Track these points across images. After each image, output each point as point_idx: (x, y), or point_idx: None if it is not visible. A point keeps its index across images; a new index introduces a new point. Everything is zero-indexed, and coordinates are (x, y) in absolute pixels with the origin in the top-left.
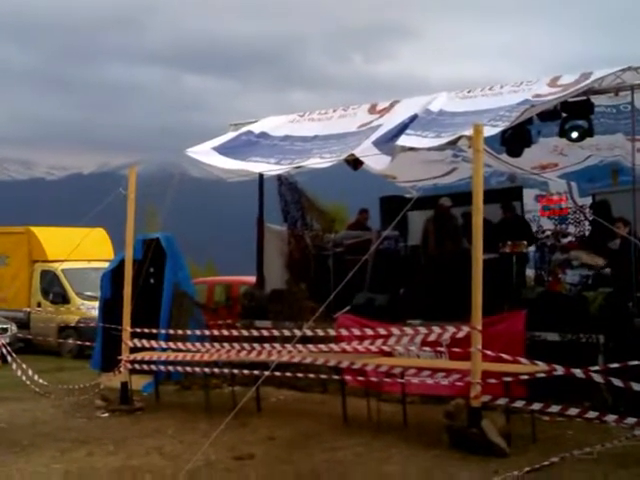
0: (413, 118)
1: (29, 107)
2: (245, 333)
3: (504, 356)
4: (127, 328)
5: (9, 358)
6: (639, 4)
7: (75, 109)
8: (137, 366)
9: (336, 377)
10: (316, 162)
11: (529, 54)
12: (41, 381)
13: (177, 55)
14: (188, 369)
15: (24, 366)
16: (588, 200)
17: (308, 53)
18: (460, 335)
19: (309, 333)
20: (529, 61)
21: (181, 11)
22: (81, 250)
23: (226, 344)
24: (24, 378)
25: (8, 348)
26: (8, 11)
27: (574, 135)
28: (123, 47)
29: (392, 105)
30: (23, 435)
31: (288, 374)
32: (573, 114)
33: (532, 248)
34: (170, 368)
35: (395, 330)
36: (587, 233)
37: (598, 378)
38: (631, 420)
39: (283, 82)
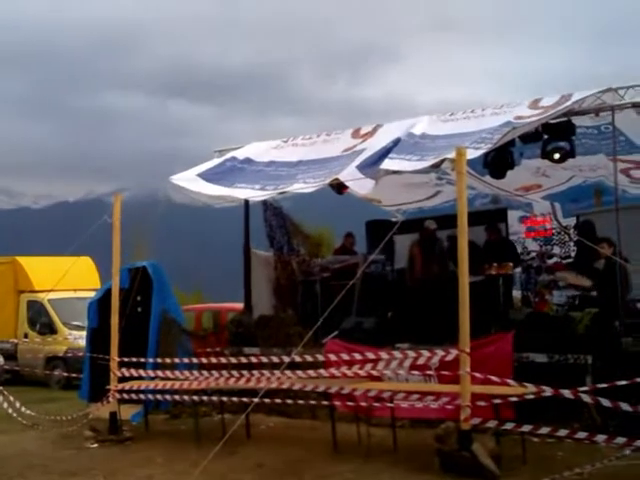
0: (396, 142)
1: (13, 133)
2: (233, 360)
3: (493, 378)
4: (115, 358)
5: None
6: (619, 20)
7: (60, 136)
8: (126, 395)
9: (325, 403)
10: (300, 187)
11: (513, 76)
12: (28, 412)
13: (161, 81)
14: (177, 397)
15: (11, 398)
16: (572, 221)
17: (293, 77)
18: (449, 358)
19: (297, 359)
20: (513, 83)
21: (166, 38)
22: (67, 280)
23: (215, 372)
24: (10, 410)
25: None
26: None
27: (556, 156)
28: (108, 74)
29: (375, 129)
30: (11, 467)
31: (277, 400)
32: (555, 135)
33: (518, 269)
34: (159, 397)
35: (383, 354)
36: (572, 254)
37: (587, 398)
38: (620, 440)
39: (267, 107)
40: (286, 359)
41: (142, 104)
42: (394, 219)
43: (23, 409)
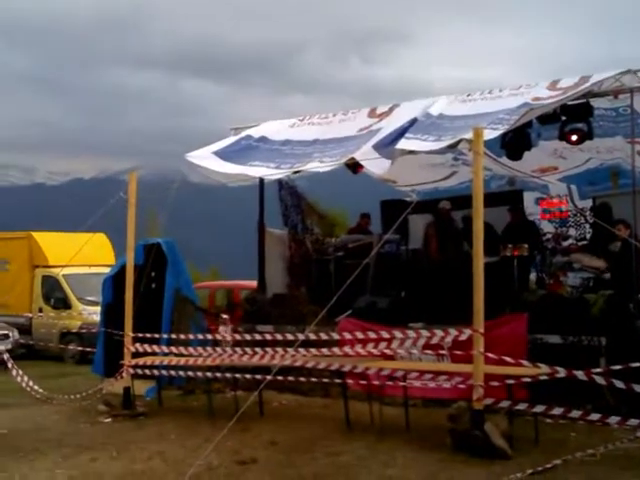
0: (413, 122)
1: (29, 112)
2: (247, 337)
3: (506, 359)
4: (129, 333)
5: (9, 364)
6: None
7: (74, 114)
8: (139, 371)
9: (338, 381)
10: (316, 166)
11: (532, 57)
12: (37, 388)
13: (175, 60)
14: (190, 374)
15: (20, 372)
16: (588, 203)
17: (307, 57)
18: (462, 338)
19: (311, 337)
20: (532, 65)
21: (179, 16)
22: (82, 255)
23: (228, 348)
24: (24, 385)
25: (7, 355)
26: (7, 16)
27: (574, 138)
28: (122, 52)
29: (392, 109)
30: (26, 441)
31: (290, 378)
32: (573, 117)
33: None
34: (172, 373)
35: (397, 333)
36: (588, 236)
37: (600, 380)
38: (634, 422)
39: (282, 86)
40: (300, 337)
41: (155, 83)
42: (409, 199)
43: (35, 386)
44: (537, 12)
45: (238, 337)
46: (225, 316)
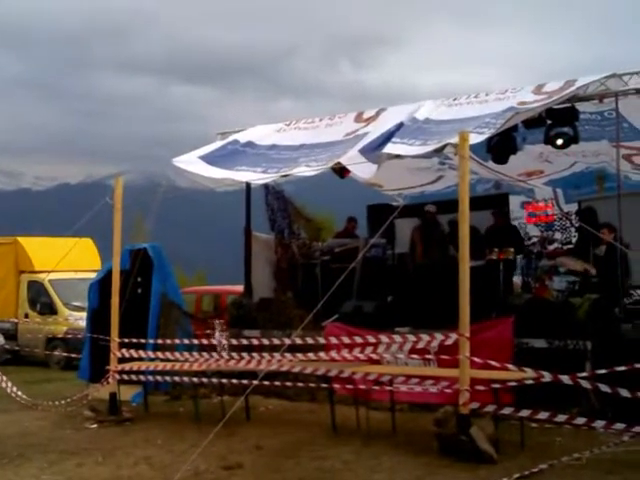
0: (399, 126)
1: (16, 117)
2: (234, 342)
3: (492, 363)
4: (115, 338)
5: None
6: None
7: (62, 119)
8: (125, 376)
9: (325, 386)
10: (302, 170)
11: (517, 62)
12: (20, 394)
13: (166, 65)
14: (177, 379)
15: (4, 378)
16: (574, 207)
17: (296, 62)
18: (448, 342)
19: (298, 342)
20: (517, 69)
21: (171, 22)
22: (68, 260)
23: (214, 353)
24: (9, 391)
25: None
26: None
27: (559, 142)
28: (110, 57)
29: (378, 113)
30: (11, 446)
31: (277, 383)
32: (558, 121)
33: (520, 256)
34: (159, 378)
35: (383, 338)
36: (573, 240)
37: (586, 384)
38: (619, 426)
39: (270, 91)
40: (286, 342)
41: (142, 88)
42: (395, 203)
43: (19, 392)
44: (527, 17)
45: (234, 341)
46: (220, 321)
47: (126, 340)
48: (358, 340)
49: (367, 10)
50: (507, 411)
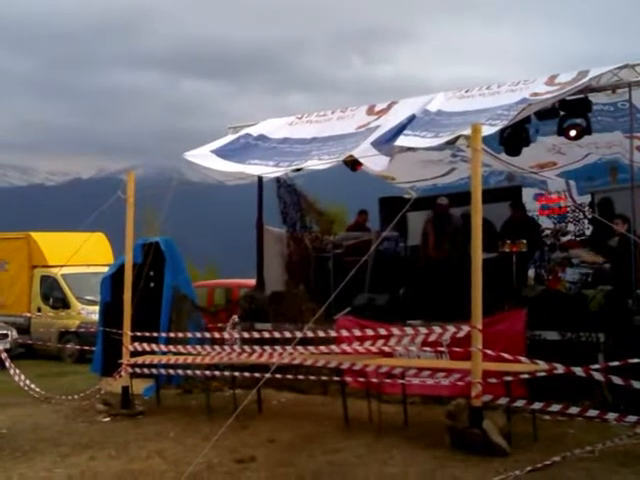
0: (411, 119)
1: (28, 113)
2: (246, 335)
3: (505, 355)
4: (127, 332)
5: (7, 363)
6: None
7: (73, 114)
8: (138, 370)
9: (337, 379)
10: (315, 164)
11: (530, 54)
12: (34, 387)
13: (175, 59)
14: (189, 372)
15: (18, 372)
16: (587, 198)
17: (307, 56)
18: (460, 335)
19: (309, 335)
20: (530, 61)
21: (179, 16)
22: (81, 255)
23: (227, 347)
24: (22, 384)
25: (4, 355)
26: (7, 18)
27: (572, 133)
28: (121, 52)
29: (390, 106)
30: (24, 440)
31: (289, 376)
32: (571, 112)
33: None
34: (171, 371)
35: (395, 330)
36: (587, 231)
37: (598, 376)
38: (632, 418)
39: (282, 85)
40: (298, 335)
41: (154, 83)
42: (407, 196)
43: (33, 385)
44: (538, 10)
45: (246, 335)
46: (235, 316)
47: (138, 334)
48: (370, 333)
49: (377, 3)
50: (519, 404)
